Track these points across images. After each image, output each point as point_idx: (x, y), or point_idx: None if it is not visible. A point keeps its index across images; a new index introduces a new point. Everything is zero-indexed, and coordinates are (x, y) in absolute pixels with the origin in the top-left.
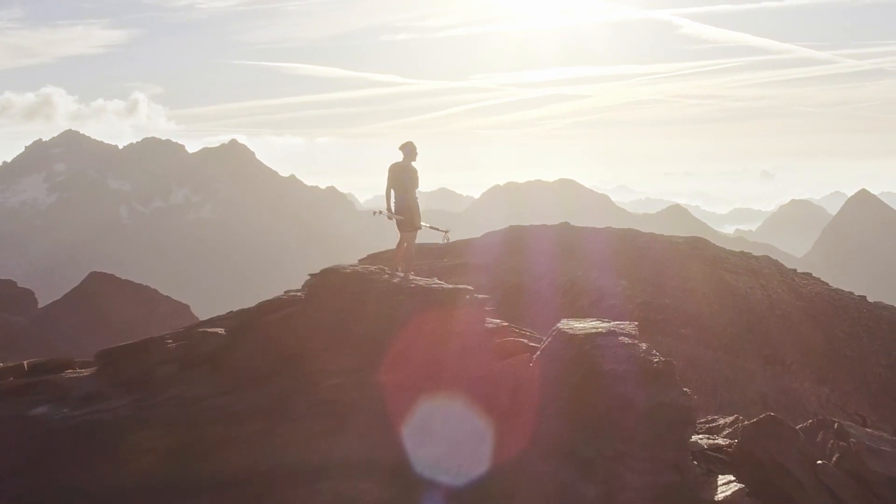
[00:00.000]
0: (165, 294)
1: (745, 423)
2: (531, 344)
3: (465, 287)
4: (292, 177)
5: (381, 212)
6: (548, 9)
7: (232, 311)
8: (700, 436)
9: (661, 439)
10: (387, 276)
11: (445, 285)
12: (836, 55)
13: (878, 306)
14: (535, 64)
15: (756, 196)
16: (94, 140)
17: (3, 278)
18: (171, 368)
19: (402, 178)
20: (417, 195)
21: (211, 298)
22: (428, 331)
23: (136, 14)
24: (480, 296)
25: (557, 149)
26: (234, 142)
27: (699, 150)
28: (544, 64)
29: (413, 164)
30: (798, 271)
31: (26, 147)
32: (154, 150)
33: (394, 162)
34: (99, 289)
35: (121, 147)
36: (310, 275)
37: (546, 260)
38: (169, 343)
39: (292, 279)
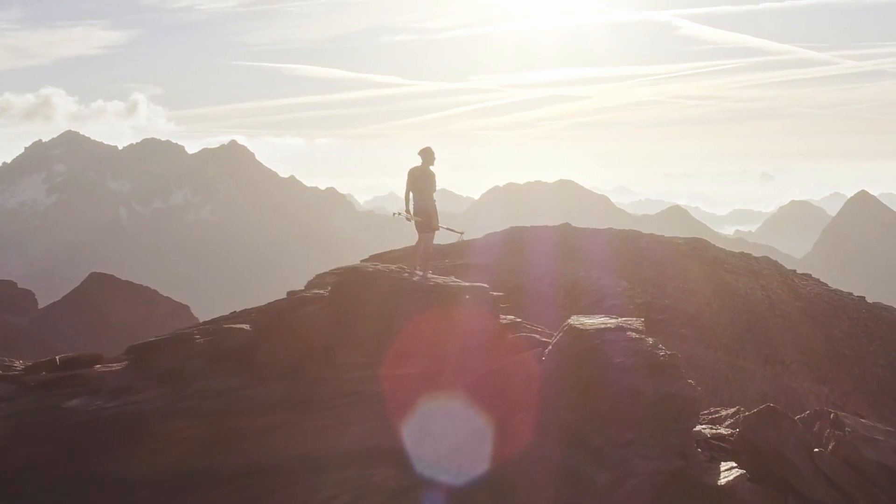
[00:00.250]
0: (165, 295)
1: (746, 413)
2: (542, 339)
3: (481, 285)
4: (292, 178)
5: (400, 213)
6: (547, 10)
7: (259, 308)
8: (703, 426)
9: (667, 428)
10: (407, 274)
11: (463, 283)
12: (835, 56)
13: (877, 307)
14: (534, 65)
15: (756, 197)
16: (94, 141)
17: (3, 279)
18: (200, 362)
19: (421, 181)
20: (435, 198)
21: (210, 299)
22: (446, 326)
23: (135, 15)
24: (495, 293)
25: (557, 150)
26: (233, 143)
27: (699, 151)
28: (544, 65)
29: (431, 168)
30: (797, 272)
31: (26, 148)
32: (154, 151)
33: (413, 166)
34: (99, 290)
35: (120, 148)
36: (332, 272)
37: (547, 261)
38: (197, 338)
39: (292, 280)
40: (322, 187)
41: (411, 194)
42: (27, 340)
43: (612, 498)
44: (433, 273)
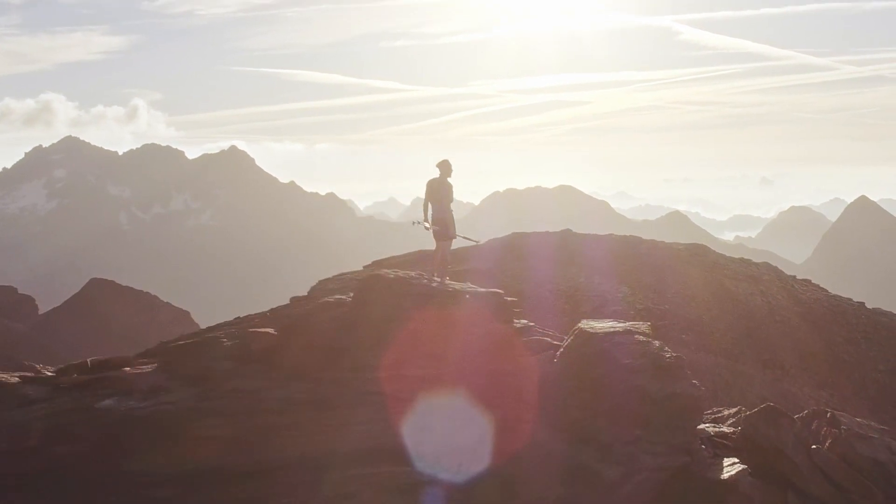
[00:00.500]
0: (165, 300)
1: (747, 413)
2: (553, 342)
3: (496, 291)
4: (292, 183)
5: (419, 222)
6: (547, 15)
7: (285, 305)
8: (707, 424)
9: (672, 426)
10: (426, 280)
11: (479, 289)
12: (835, 62)
13: (877, 312)
14: (534, 70)
15: (755, 203)
16: (94, 146)
17: (4, 285)
18: (228, 364)
19: (439, 192)
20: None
21: (211, 305)
22: (462, 329)
23: (135, 20)
24: (509, 298)
25: (557, 155)
26: (233, 148)
27: (699, 157)
28: (544, 70)
29: (448, 179)
30: (797, 278)
31: (26, 153)
32: (154, 157)
33: (431, 178)
34: (99, 295)
35: (120, 153)
36: (335, 278)
37: (548, 266)
38: (224, 341)
39: (292, 285)
40: (322, 193)
41: (430, 204)
42: (27, 346)
43: (621, 492)
44: (450, 279)
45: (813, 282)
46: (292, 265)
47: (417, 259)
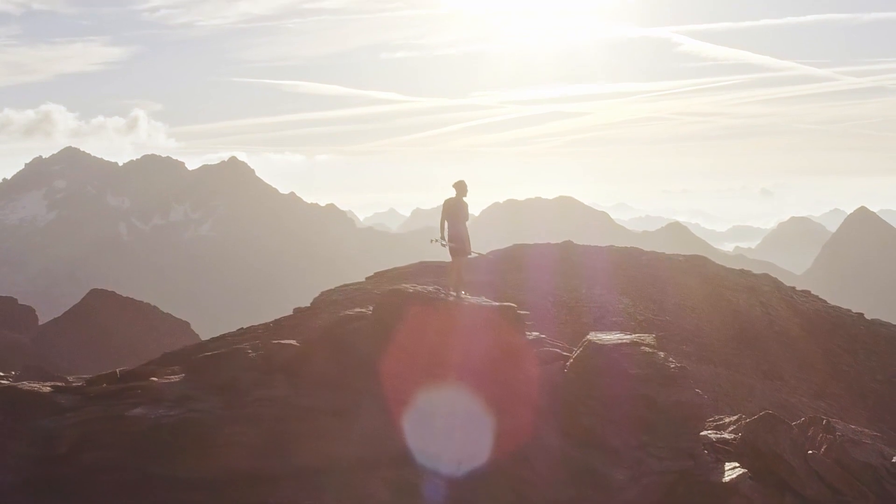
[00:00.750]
0: (165, 311)
1: (748, 420)
2: (564, 353)
3: (509, 304)
4: (292, 194)
5: (437, 240)
6: (547, 27)
7: (289, 316)
8: (709, 431)
9: (677, 432)
10: (442, 294)
11: (493, 303)
12: (835, 72)
13: (876, 323)
14: (534, 81)
15: (755, 213)
16: (94, 157)
17: (4, 295)
18: (254, 375)
19: (456, 211)
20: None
21: (211, 315)
22: (478, 341)
23: (135, 31)
24: (522, 312)
25: (556, 166)
26: (233, 159)
27: (698, 168)
28: (543, 82)
29: (464, 199)
30: (797, 289)
31: (26, 164)
32: (153, 167)
33: (448, 197)
34: (99, 306)
35: (120, 164)
36: (337, 289)
37: (549, 278)
38: (249, 353)
39: (292, 296)
40: (322, 204)
41: (446, 222)
42: (28, 357)
43: (628, 494)
44: (466, 293)
45: (812, 293)
46: (292, 276)
47: (419, 270)
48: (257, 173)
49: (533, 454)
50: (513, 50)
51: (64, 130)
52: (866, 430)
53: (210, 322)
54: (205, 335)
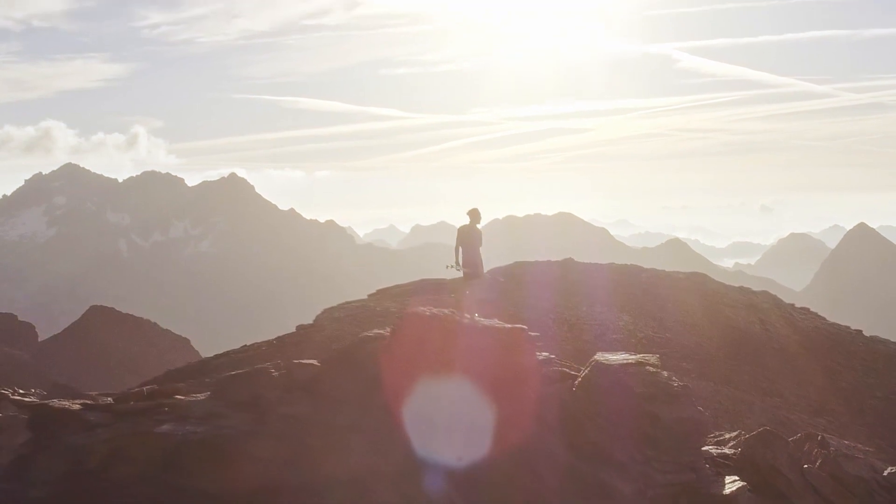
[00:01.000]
0: (165, 328)
1: (747, 436)
2: (572, 373)
3: (520, 326)
4: (292, 210)
5: (452, 265)
6: (547, 43)
7: (292, 333)
8: (711, 446)
9: (680, 447)
10: (457, 317)
11: (505, 325)
12: (835, 89)
13: (874, 340)
14: (534, 98)
15: (755, 230)
16: (94, 173)
17: (4, 312)
18: (276, 393)
19: (470, 237)
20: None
21: (211, 332)
22: (491, 361)
23: (135, 48)
24: (532, 333)
25: (556, 182)
26: (233, 175)
27: (698, 184)
28: (544, 97)
29: (478, 226)
30: (796, 306)
31: (26, 180)
32: (153, 184)
33: (462, 224)
34: (99, 323)
35: (120, 181)
36: (340, 307)
37: (550, 295)
38: (272, 372)
39: (292, 312)
40: (322, 220)
41: (460, 248)
42: (27, 374)
43: None
44: (479, 315)
45: (811, 310)
46: (292, 292)
47: (421, 287)
48: (257, 189)
49: (543, 467)
50: (513, 66)
51: (64, 147)
52: (859, 446)
53: (210, 338)
54: (205, 351)
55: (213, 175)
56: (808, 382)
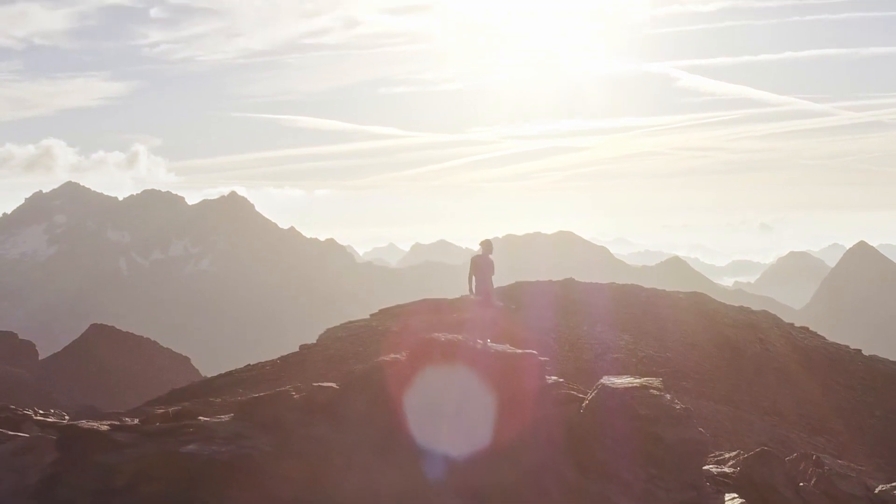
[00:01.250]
0: (165, 346)
1: (745, 455)
2: (580, 395)
3: (531, 352)
4: (291, 229)
5: (465, 294)
6: (545, 62)
7: (295, 353)
8: (711, 465)
9: (683, 466)
10: (471, 343)
11: (517, 350)
12: (834, 107)
13: (873, 359)
14: (534, 116)
15: (755, 248)
16: (94, 192)
17: (4, 330)
18: (298, 414)
19: (483, 267)
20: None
21: (211, 350)
22: (503, 384)
23: (135, 67)
24: (542, 358)
25: (556, 201)
26: (233, 194)
27: (698, 203)
28: (543, 117)
29: (490, 256)
30: (795, 325)
31: (26, 199)
32: (154, 202)
33: (475, 254)
34: (99, 340)
35: (121, 199)
36: (342, 326)
37: (551, 314)
38: (293, 395)
39: (291, 331)
40: (321, 238)
41: (473, 278)
42: (28, 392)
43: None
44: (491, 341)
45: (811, 329)
46: (292, 311)
47: (424, 308)
48: (257, 208)
49: (552, 485)
50: (513, 85)
51: (64, 165)
52: (853, 465)
53: (210, 357)
54: (204, 370)
55: (213, 193)
56: (808, 401)
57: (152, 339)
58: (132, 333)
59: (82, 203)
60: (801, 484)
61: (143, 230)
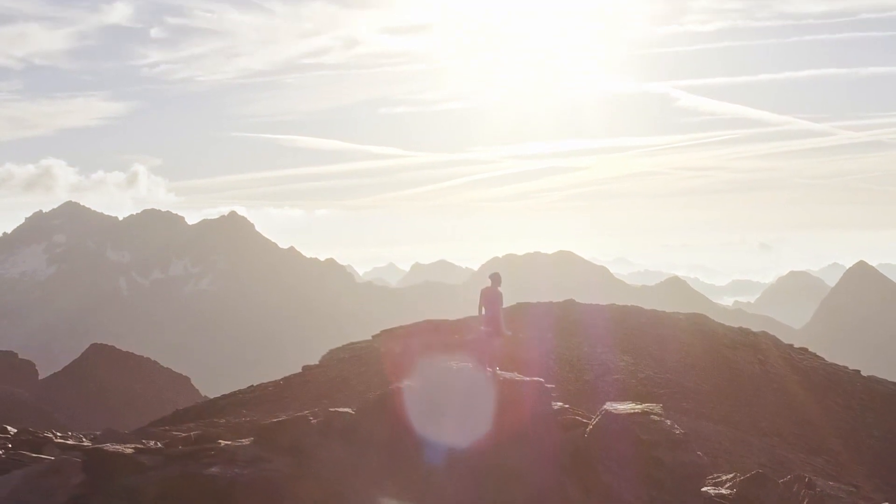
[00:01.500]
0: (165, 366)
1: (741, 478)
2: (584, 420)
3: (538, 379)
4: (291, 249)
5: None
6: (546, 82)
7: (298, 374)
8: (709, 487)
9: (682, 488)
10: (480, 371)
11: (525, 378)
12: (833, 127)
13: (872, 380)
14: (533, 136)
15: (754, 268)
16: (94, 211)
17: (4, 350)
18: (316, 438)
19: (492, 298)
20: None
21: (211, 370)
22: (512, 409)
23: (135, 87)
24: (548, 385)
25: (556, 221)
26: (233, 213)
27: (697, 222)
28: (543, 136)
29: (499, 288)
30: (795, 346)
31: (26, 218)
32: (153, 222)
33: (484, 287)
34: (99, 360)
35: (120, 219)
36: (344, 347)
37: (552, 336)
38: (311, 420)
39: (291, 351)
40: (321, 258)
41: (483, 308)
42: (27, 411)
43: None
44: (500, 370)
45: (810, 349)
46: (291, 331)
47: (425, 329)
48: (257, 228)
49: None
50: (512, 104)
51: (64, 185)
52: (842, 486)
53: (210, 377)
54: (205, 390)
55: (213, 213)
56: (807, 422)
57: (152, 358)
58: (132, 353)
59: (82, 223)
60: None
61: (143, 250)
